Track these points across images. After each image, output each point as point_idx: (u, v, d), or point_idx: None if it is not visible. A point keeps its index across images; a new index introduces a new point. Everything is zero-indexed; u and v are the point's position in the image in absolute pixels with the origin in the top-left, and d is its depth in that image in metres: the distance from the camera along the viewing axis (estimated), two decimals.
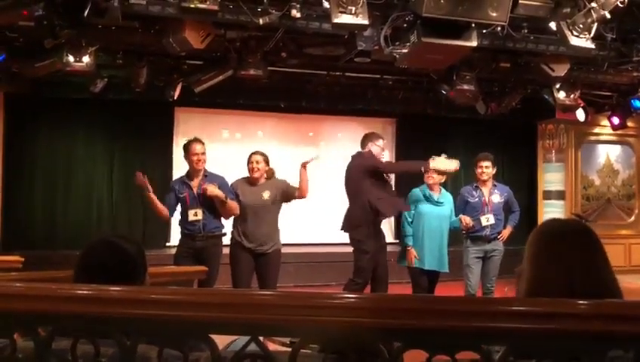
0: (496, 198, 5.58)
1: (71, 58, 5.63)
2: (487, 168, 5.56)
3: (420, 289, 5.39)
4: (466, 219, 5.37)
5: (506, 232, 5.62)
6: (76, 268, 1.78)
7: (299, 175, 5.17)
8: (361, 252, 5.25)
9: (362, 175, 5.25)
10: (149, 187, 4.90)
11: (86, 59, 5.70)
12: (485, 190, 5.58)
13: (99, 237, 1.89)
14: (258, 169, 5.15)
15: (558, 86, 7.23)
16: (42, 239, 7.96)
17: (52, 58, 5.69)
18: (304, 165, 5.15)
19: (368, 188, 5.21)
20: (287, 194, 5.21)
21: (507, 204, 5.67)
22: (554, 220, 1.76)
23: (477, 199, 5.55)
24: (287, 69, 7.35)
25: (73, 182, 8.31)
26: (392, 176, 5.98)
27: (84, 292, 1.37)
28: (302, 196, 5.22)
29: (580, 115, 8.41)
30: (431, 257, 5.36)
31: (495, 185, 5.66)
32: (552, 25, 4.95)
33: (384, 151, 5.38)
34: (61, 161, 8.26)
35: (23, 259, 3.82)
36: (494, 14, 4.44)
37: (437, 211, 5.44)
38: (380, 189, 5.27)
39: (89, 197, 8.37)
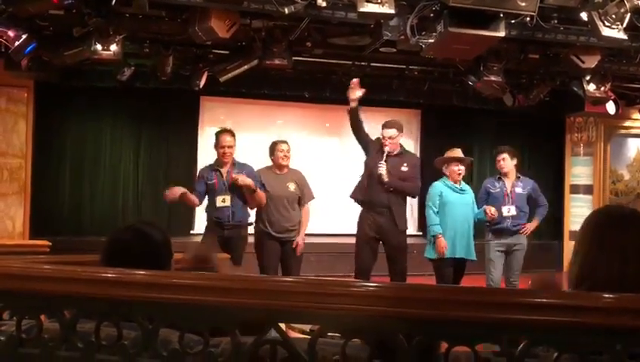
0: (519, 190, 5.53)
1: (99, 46, 5.70)
2: (504, 161, 5.54)
3: (445, 281, 5.30)
4: (491, 210, 5.33)
5: (530, 226, 5.55)
6: (103, 253, 1.81)
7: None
8: None
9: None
10: (184, 192, 4.95)
11: (113, 47, 5.76)
12: (508, 182, 5.54)
13: (126, 224, 1.92)
14: (288, 157, 5.24)
15: (588, 78, 7.08)
16: (69, 225, 8.11)
17: (80, 47, 5.76)
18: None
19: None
20: (301, 194, 5.32)
21: (532, 198, 5.60)
22: (603, 208, 1.73)
23: (499, 190, 5.53)
24: (312, 59, 7.34)
25: (100, 169, 8.44)
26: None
27: (109, 275, 1.40)
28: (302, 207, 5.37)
29: (611, 107, 8.22)
30: (459, 245, 5.28)
31: (519, 178, 5.60)
32: (583, 15, 4.84)
33: (386, 140, 5.17)
34: (88, 148, 8.39)
35: (50, 244, 3.91)
36: (523, 4, 4.35)
37: (461, 199, 5.40)
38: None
39: (115, 184, 8.50)
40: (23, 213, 7.53)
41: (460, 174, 5.40)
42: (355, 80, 5.21)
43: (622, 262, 1.44)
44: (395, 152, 5.21)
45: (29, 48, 5.29)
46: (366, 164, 5.32)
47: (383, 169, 5.07)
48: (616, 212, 1.60)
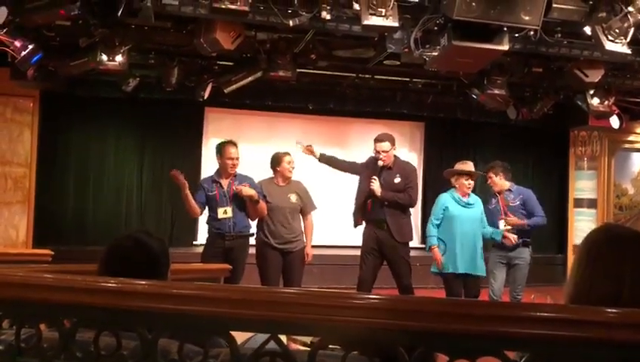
0: (511, 203, 5.54)
1: (104, 57, 5.73)
2: (490, 179, 5.63)
3: (454, 295, 5.25)
4: (512, 236, 5.32)
5: (516, 220, 5.44)
6: (101, 262, 1.81)
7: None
8: None
9: None
10: (186, 184, 4.96)
11: (119, 58, 5.79)
12: (500, 196, 5.59)
13: (124, 233, 1.92)
14: (293, 169, 5.29)
15: (592, 92, 7.07)
16: (72, 235, 8.11)
17: (86, 57, 5.80)
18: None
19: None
20: (303, 204, 5.35)
21: (527, 208, 5.56)
22: (603, 226, 1.71)
23: (494, 205, 5.59)
24: (316, 71, 7.36)
25: (104, 179, 8.45)
26: (420, 184, 5.95)
27: (109, 285, 1.39)
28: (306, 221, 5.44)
29: (615, 122, 8.21)
30: (463, 261, 5.25)
31: (510, 190, 5.60)
32: (587, 29, 4.84)
33: (380, 154, 5.24)
34: (92, 158, 8.41)
35: (52, 253, 3.90)
36: (527, 18, 4.36)
37: (467, 214, 5.36)
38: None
39: (118, 194, 8.51)
40: (26, 222, 7.53)
41: (469, 188, 5.40)
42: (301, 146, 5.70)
43: (617, 283, 1.43)
44: (388, 165, 5.24)
45: (35, 58, 5.32)
46: (360, 184, 5.43)
47: (375, 184, 5.14)
48: (616, 232, 1.58)
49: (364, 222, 5.39)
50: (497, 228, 5.45)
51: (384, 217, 5.19)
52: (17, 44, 5.00)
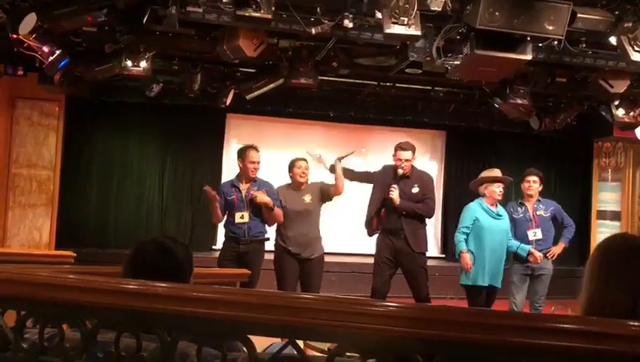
0: (542, 213, 5.45)
1: (129, 63, 5.82)
2: (534, 183, 5.48)
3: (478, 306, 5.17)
4: (538, 255, 5.26)
5: (557, 249, 5.43)
6: (126, 265, 1.83)
7: (334, 171, 5.29)
8: None
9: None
10: (217, 197, 5.09)
11: (143, 64, 5.88)
12: (529, 205, 5.48)
13: (150, 237, 1.95)
14: (306, 174, 5.24)
15: (616, 103, 6.97)
16: (94, 238, 8.22)
17: (111, 62, 5.89)
18: (340, 159, 5.31)
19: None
20: (324, 192, 5.28)
21: (557, 220, 5.50)
22: (618, 236, 1.64)
23: (522, 215, 5.47)
24: (337, 79, 7.38)
25: (126, 183, 8.56)
26: (441, 193, 5.89)
27: (130, 286, 1.41)
28: (338, 192, 5.26)
29: None
30: (490, 273, 5.18)
31: (539, 201, 5.52)
32: (612, 39, 4.79)
33: (401, 163, 5.20)
34: (115, 162, 8.53)
35: (75, 255, 3.96)
36: (551, 28, 4.33)
37: (497, 224, 5.29)
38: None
39: (140, 199, 8.61)
40: (50, 224, 7.66)
41: (500, 195, 5.31)
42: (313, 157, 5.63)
43: (633, 295, 1.39)
44: (406, 174, 5.22)
45: (62, 63, 5.41)
46: (374, 192, 5.36)
47: (395, 193, 5.08)
48: (631, 242, 1.54)
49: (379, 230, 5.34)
50: (525, 237, 5.36)
51: (401, 226, 5.16)
52: (45, 49, 5.09)
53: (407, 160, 5.18)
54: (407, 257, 5.18)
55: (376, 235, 5.38)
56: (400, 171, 5.17)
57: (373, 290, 5.25)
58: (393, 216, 5.18)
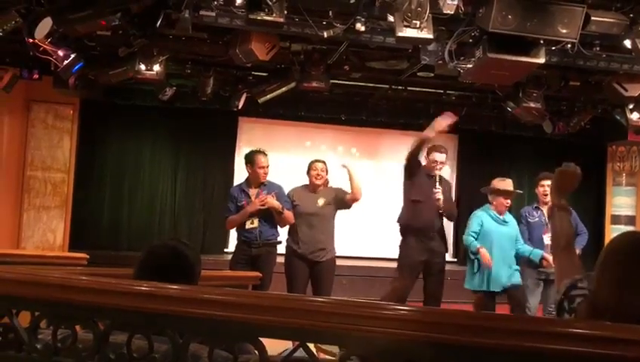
0: None
1: (142, 66, 5.88)
2: (549, 187, 5.41)
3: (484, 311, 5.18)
4: (551, 259, 5.21)
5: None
6: (137, 267, 1.84)
7: (348, 178, 5.21)
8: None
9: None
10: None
11: (156, 67, 5.93)
12: (545, 209, 5.42)
13: (162, 241, 1.96)
14: (321, 176, 5.22)
15: (631, 106, 6.90)
16: (107, 240, 8.28)
17: (125, 66, 5.94)
18: (343, 166, 5.27)
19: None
20: (340, 198, 5.23)
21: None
22: (628, 234, 1.58)
23: (537, 219, 5.45)
24: (349, 82, 7.38)
25: (139, 186, 8.62)
26: (453, 196, 5.85)
27: (142, 288, 1.42)
28: (355, 199, 5.21)
29: None
30: (497, 278, 5.16)
31: None
32: (627, 42, 4.75)
33: (438, 165, 5.19)
34: (128, 165, 8.60)
35: (88, 257, 3.99)
36: (564, 31, 4.30)
37: (502, 230, 5.28)
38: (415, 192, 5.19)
39: (153, 201, 8.66)
40: (63, 227, 7.73)
41: (506, 207, 5.32)
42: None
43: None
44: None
45: (76, 67, 5.47)
46: (409, 188, 5.25)
47: (440, 194, 5.09)
48: (636, 243, 1.50)
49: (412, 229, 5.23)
50: (541, 241, 5.33)
51: (432, 226, 5.18)
52: (60, 53, 5.16)
53: (442, 162, 5.23)
54: (440, 256, 5.26)
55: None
56: (437, 173, 5.17)
57: (397, 291, 5.14)
58: (431, 216, 5.15)
